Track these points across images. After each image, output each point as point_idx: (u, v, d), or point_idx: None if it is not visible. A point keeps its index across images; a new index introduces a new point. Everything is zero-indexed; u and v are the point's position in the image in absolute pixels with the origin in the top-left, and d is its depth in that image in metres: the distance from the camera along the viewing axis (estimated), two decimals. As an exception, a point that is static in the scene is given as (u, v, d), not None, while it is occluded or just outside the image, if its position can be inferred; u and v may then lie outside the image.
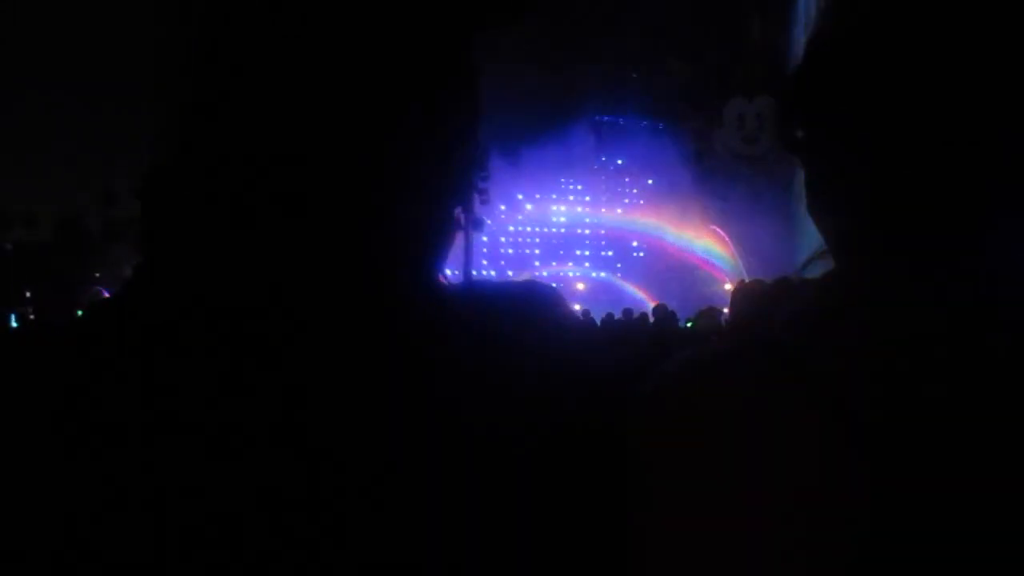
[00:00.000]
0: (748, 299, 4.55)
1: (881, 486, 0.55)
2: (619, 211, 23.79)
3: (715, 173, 21.80)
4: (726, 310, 13.12)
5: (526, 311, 0.71)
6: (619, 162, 23.32)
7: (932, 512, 0.55)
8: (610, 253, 23.63)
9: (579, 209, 23.66)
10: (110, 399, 0.61)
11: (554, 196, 23.15)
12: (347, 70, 0.64)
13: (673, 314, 9.28)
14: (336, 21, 0.64)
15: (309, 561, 0.59)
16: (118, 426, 0.61)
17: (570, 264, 23.19)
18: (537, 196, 22.88)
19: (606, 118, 23.36)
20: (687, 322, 9.88)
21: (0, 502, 0.60)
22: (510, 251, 22.88)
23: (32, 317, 11.60)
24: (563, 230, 23.56)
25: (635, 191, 23.78)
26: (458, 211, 0.70)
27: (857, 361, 0.59)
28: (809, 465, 0.57)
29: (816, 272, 0.70)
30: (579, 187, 23.49)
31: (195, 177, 0.67)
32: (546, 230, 23.46)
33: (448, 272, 0.72)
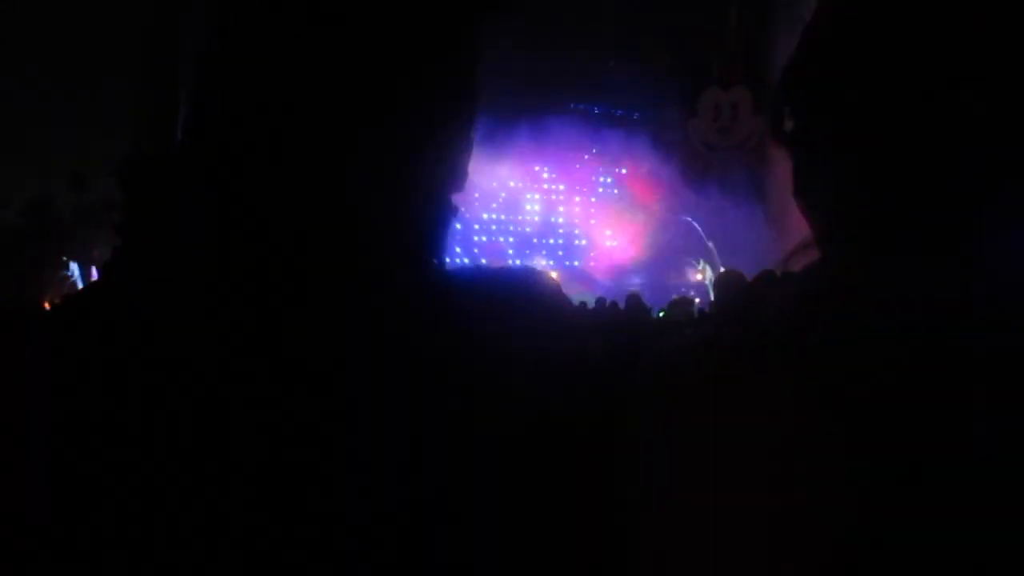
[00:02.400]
0: (731, 287, 4.60)
1: (868, 470, 0.57)
2: (593, 199, 23.76)
3: (688, 163, 21.80)
4: (698, 300, 13.17)
5: (524, 298, 0.72)
6: (593, 151, 23.24)
7: (917, 500, 0.57)
8: (584, 242, 23.60)
9: (552, 197, 23.60)
10: (101, 387, 0.61)
11: (528, 184, 23.05)
12: (346, 63, 0.65)
13: (644, 303, 9.31)
14: (337, 19, 0.65)
15: (304, 548, 0.60)
16: (110, 415, 0.61)
17: (543, 252, 23.12)
18: (511, 184, 22.77)
19: (581, 106, 23.27)
20: (659, 311, 9.91)
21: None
22: (483, 238, 22.74)
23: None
24: (536, 218, 23.50)
25: (609, 180, 23.76)
26: (454, 199, 0.71)
27: (846, 350, 0.61)
28: (802, 448, 0.59)
29: (799, 264, 0.71)
30: (553, 175, 23.40)
31: (187, 166, 0.67)
32: (520, 218, 23.37)
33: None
